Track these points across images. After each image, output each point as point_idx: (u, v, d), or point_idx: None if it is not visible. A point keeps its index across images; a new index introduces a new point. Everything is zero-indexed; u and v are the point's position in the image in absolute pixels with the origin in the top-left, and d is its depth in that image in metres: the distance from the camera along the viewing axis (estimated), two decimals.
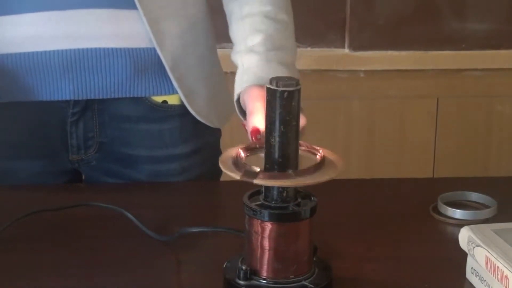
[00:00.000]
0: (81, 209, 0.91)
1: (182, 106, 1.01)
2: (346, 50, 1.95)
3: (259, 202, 0.71)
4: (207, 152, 1.07)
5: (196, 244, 0.83)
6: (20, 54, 0.94)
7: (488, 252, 0.71)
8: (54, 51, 0.94)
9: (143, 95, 0.99)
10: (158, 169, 1.04)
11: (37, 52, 0.94)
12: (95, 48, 0.95)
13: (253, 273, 0.71)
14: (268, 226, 0.70)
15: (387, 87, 1.98)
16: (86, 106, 0.99)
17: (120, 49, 0.96)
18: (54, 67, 0.94)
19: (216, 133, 1.09)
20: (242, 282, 0.71)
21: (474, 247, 0.74)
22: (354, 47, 1.95)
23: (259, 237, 0.70)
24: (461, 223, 0.83)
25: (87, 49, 0.94)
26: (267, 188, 0.71)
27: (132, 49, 0.96)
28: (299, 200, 0.71)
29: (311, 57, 1.93)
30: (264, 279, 0.71)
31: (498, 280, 0.70)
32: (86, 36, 0.94)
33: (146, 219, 0.86)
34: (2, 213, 0.89)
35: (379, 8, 1.94)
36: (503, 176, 1.13)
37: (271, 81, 0.68)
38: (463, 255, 0.76)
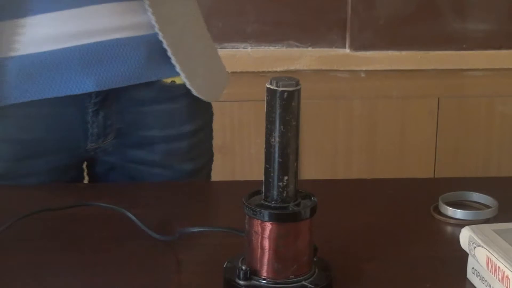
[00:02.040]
0: (81, 209, 0.91)
1: (183, 86, 1.05)
2: (347, 50, 1.95)
3: (259, 202, 0.71)
4: (208, 130, 1.13)
5: (197, 244, 0.83)
6: (39, 53, 0.95)
7: (489, 252, 0.71)
8: (73, 47, 0.96)
9: (156, 79, 1.03)
10: (171, 148, 1.07)
11: (56, 50, 0.95)
12: (112, 40, 0.97)
13: (253, 273, 0.71)
14: (268, 226, 0.70)
15: (388, 87, 1.98)
16: (106, 95, 1.01)
17: (134, 37, 0.99)
18: (74, 62, 0.96)
19: (211, 111, 1.14)
20: (242, 282, 0.71)
21: (475, 247, 0.74)
22: (355, 47, 1.95)
23: (259, 237, 0.70)
24: (462, 223, 0.83)
25: (104, 41, 0.97)
26: (267, 188, 0.71)
27: (143, 36, 1.00)
28: (299, 200, 0.71)
29: (312, 57, 1.93)
30: (264, 279, 0.71)
31: (499, 281, 0.70)
32: (103, 29, 0.97)
33: (147, 219, 0.86)
34: (2, 213, 0.89)
35: (380, 8, 1.94)
36: (504, 176, 1.13)
37: (271, 81, 0.68)
38: (464, 255, 0.76)
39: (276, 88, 0.68)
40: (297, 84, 0.69)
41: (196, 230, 0.85)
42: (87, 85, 0.98)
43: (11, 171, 1.01)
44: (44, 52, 0.95)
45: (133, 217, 0.86)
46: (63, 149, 1.03)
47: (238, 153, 1.95)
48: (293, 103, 0.68)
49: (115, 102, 1.02)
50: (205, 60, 1.10)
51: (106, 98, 1.01)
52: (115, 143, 1.05)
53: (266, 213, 0.70)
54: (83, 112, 1.01)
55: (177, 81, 1.04)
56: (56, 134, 1.01)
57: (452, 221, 0.89)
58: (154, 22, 0.98)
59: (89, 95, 1.00)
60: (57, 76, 0.96)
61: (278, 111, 0.68)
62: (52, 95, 0.97)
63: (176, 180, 1.07)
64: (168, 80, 1.04)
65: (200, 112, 1.10)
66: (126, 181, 1.07)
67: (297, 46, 1.92)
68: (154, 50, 1.01)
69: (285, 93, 0.68)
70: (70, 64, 0.96)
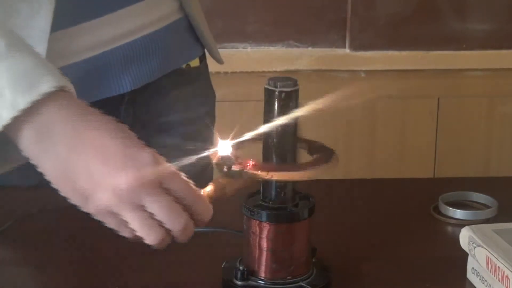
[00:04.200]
0: (81, 209, 0.91)
1: (197, 67, 1.08)
2: (347, 50, 1.95)
3: (257, 203, 0.71)
4: (214, 111, 1.15)
5: (196, 244, 0.83)
6: (89, 58, 0.94)
7: (489, 252, 0.71)
8: (116, 47, 0.96)
9: (183, 64, 1.06)
10: (189, 131, 1.08)
11: (104, 52, 0.95)
12: (145, 35, 0.98)
13: (251, 273, 0.71)
14: (266, 226, 0.70)
15: (388, 87, 1.98)
16: (136, 90, 1.01)
17: (162, 28, 1.00)
18: (115, 63, 0.96)
19: (215, 93, 1.16)
20: (239, 283, 0.71)
21: (475, 247, 0.73)
22: (355, 47, 1.95)
23: (257, 238, 0.70)
24: (462, 223, 0.83)
25: (141, 37, 0.97)
26: (265, 188, 0.71)
27: (169, 24, 1.01)
28: (298, 201, 0.71)
29: (311, 57, 1.93)
30: (261, 280, 0.71)
31: (499, 280, 0.70)
32: (140, 26, 0.97)
33: None
34: (2, 213, 0.89)
35: (380, 8, 1.94)
36: (504, 176, 1.13)
37: (269, 81, 0.68)
38: (464, 255, 0.76)
39: (274, 89, 0.68)
40: (295, 84, 0.69)
41: (195, 230, 0.84)
42: (125, 85, 0.98)
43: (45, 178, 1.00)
44: (92, 57, 0.94)
45: None
46: None
47: None
48: (291, 104, 0.68)
49: (142, 95, 1.02)
50: (207, 26, 1.12)
51: (136, 94, 1.01)
52: (140, 135, 1.05)
53: (264, 213, 0.70)
54: (116, 110, 1.01)
55: (192, 64, 1.07)
56: None
57: (452, 221, 0.89)
58: (184, 4, 1.01)
59: (123, 93, 1.00)
60: (102, 78, 0.96)
61: (276, 111, 0.68)
62: (99, 97, 0.96)
63: (188, 161, 1.08)
64: (184, 64, 1.06)
65: (210, 93, 1.13)
66: None
67: (297, 46, 1.92)
68: (180, 35, 1.03)
69: (283, 94, 0.68)
70: (111, 65, 0.96)
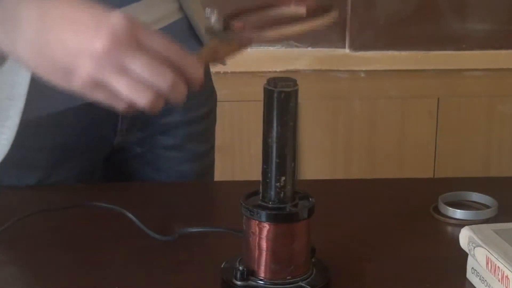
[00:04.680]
0: (81, 209, 0.91)
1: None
2: (347, 50, 1.95)
3: (256, 203, 0.71)
4: (215, 112, 1.15)
5: (196, 244, 0.83)
6: None
7: (489, 252, 0.71)
8: None
9: None
10: (191, 130, 1.08)
11: None
12: None
13: (250, 273, 0.71)
14: (266, 227, 0.70)
15: (388, 87, 1.98)
16: None
17: (162, 28, 0.99)
18: None
19: (216, 93, 1.16)
20: (239, 283, 0.71)
21: (474, 247, 0.73)
22: (355, 47, 1.95)
23: (257, 238, 0.70)
24: (461, 223, 0.83)
25: None
26: (265, 188, 0.71)
27: (169, 25, 1.00)
28: (297, 201, 0.71)
29: (311, 57, 1.93)
30: (261, 280, 0.71)
31: (499, 280, 0.70)
32: (148, 23, 0.97)
33: (146, 219, 0.86)
34: (2, 213, 0.89)
35: (380, 8, 1.94)
36: (504, 176, 1.13)
37: (268, 81, 0.68)
38: (464, 255, 0.76)
39: (273, 89, 0.68)
40: (295, 84, 0.69)
41: (195, 230, 0.85)
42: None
43: (45, 178, 1.00)
44: None
45: (132, 217, 0.86)
46: (92, 148, 1.02)
47: (237, 153, 1.95)
48: (290, 104, 0.68)
49: None
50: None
51: None
52: (140, 135, 1.06)
53: (263, 213, 0.70)
54: (114, 110, 1.01)
55: None
56: (88, 135, 1.01)
57: (451, 221, 0.89)
58: (183, 5, 1.00)
59: None
60: None
61: (275, 112, 0.68)
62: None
63: (190, 161, 1.08)
64: None
65: (211, 94, 1.13)
66: (145, 167, 1.08)
67: (296, 46, 1.92)
68: (180, 36, 1.00)
69: (282, 94, 0.68)
70: None
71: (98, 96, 0.68)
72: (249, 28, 0.67)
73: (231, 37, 0.68)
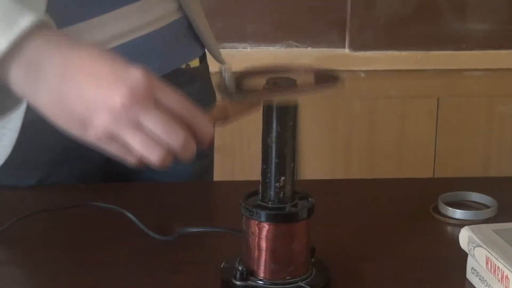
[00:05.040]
0: (81, 209, 0.91)
1: (198, 68, 1.08)
2: (347, 50, 1.95)
3: (256, 203, 0.71)
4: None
5: (196, 244, 0.83)
6: None
7: (489, 252, 0.71)
8: (114, 47, 0.95)
9: (184, 64, 1.06)
10: None
11: (113, 48, 0.95)
12: (145, 35, 0.98)
13: (250, 273, 0.71)
14: (265, 227, 0.70)
15: (388, 87, 1.98)
16: None
17: (163, 27, 1.00)
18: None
19: (215, 94, 1.16)
20: (238, 283, 0.71)
21: (474, 247, 0.73)
22: (355, 47, 1.95)
23: (256, 238, 0.70)
24: (461, 223, 0.83)
25: (139, 37, 0.97)
26: (264, 188, 0.71)
27: (168, 24, 1.01)
28: (297, 201, 0.71)
29: (311, 57, 1.93)
30: (260, 280, 0.71)
31: (499, 280, 0.70)
32: (138, 26, 0.97)
33: (146, 219, 0.86)
34: (2, 213, 0.89)
35: (380, 8, 1.94)
36: (503, 176, 1.13)
37: (268, 81, 0.68)
38: (464, 255, 0.76)
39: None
40: (294, 84, 0.69)
41: (195, 230, 0.85)
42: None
43: (44, 178, 1.00)
44: None
45: (132, 217, 0.86)
46: (92, 148, 1.02)
47: (237, 153, 1.95)
48: (289, 104, 0.68)
49: None
50: (208, 26, 1.12)
51: None
52: None
53: (263, 213, 0.70)
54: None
55: (192, 64, 1.07)
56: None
57: (451, 221, 0.89)
58: (183, 4, 1.00)
59: None
60: None
61: (274, 112, 0.68)
62: None
63: (188, 163, 1.08)
64: (183, 65, 1.06)
65: (211, 94, 1.13)
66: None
67: (296, 46, 1.92)
68: (181, 34, 1.03)
69: None
70: None
71: (111, 148, 0.69)
72: (261, 90, 0.68)
73: (243, 97, 0.69)
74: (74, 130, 0.69)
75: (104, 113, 0.66)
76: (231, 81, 0.68)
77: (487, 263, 0.71)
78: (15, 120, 0.88)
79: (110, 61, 0.68)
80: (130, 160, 0.69)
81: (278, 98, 0.68)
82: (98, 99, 0.66)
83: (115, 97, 0.65)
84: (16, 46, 0.67)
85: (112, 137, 0.67)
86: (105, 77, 0.67)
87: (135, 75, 0.66)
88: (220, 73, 0.69)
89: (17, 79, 0.69)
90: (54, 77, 0.68)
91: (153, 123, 0.66)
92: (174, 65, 1.04)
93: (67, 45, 0.69)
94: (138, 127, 0.66)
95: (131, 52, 0.96)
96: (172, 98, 0.68)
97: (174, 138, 0.67)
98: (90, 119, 0.67)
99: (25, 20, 0.67)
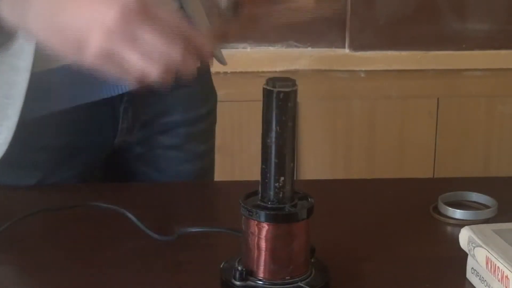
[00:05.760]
0: (81, 209, 0.91)
1: (198, 68, 1.06)
2: (347, 50, 1.95)
3: (255, 203, 0.71)
4: (215, 112, 1.15)
5: (196, 244, 0.83)
6: None
7: (489, 252, 0.71)
8: None
9: None
10: (191, 130, 1.08)
11: None
12: None
13: (249, 273, 0.71)
14: (265, 227, 0.70)
15: (388, 87, 1.98)
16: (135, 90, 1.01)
17: None
18: None
19: (216, 94, 1.16)
20: (238, 283, 0.71)
21: (474, 247, 0.73)
22: (355, 47, 1.95)
23: (256, 238, 0.70)
24: (461, 223, 0.83)
25: None
26: (264, 188, 0.71)
27: None
28: (296, 201, 0.71)
29: (311, 57, 1.93)
30: (260, 280, 0.71)
31: (499, 280, 0.70)
32: None
33: (146, 219, 0.86)
34: (2, 213, 0.89)
35: (380, 8, 1.94)
36: (503, 176, 1.13)
37: (267, 81, 0.68)
38: (464, 255, 0.76)
39: (272, 89, 0.68)
40: (294, 84, 0.69)
41: (195, 230, 0.85)
42: (123, 85, 0.97)
43: (44, 178, 1.00)
44: None
45: (132, 217, 0.86)
46: (93, 148, 1.03)
47: (237, 153, 1.95)
48: (289, 104, 0.68)
49: (142, 95, 1.01)
50: (209, 26, 1.11)
51: (135, 94, 1.01)
52: (140, 135, 1.06)
53: (262, 214, 0.70)
54: (114, 110, 1.01)
55: None
56: (89, 134, 1.01)
57: (451, 221, 0.89)
58: (184, 5, 0.99)
59: (121, 93, 1.00)
60: (97, 80, 0.96)
61: (274, 112, 0.68)
62: (97, 98, 0.96)
63: (190, 161, 1.08)
64: None
65: (211, 93, 1.13)
66: (147, 168, 1.08)
67: (296, 46, 1.92)
68: None
69: (281, 94, 0.68)
70: None
71: (109, 69, 0.67)
72: (258, 4, 0.67)
73: (239, 14, 0.68)
74: (69, 52, 0.68)
75: (99, 31, 0.65)
76: (228, 1, 0.68)
77: (487, 263, 0.72)
78: (11, 118, 0.88)
79: None
80: (130, 78, 0.68)
81: (275, 9, 0.67)
82: (91, 18, 0.65)
83: (108, 14, 0.65)
84: None
85: (109, 56, 0.66)
86: None
87: None
88: None
89: (5, 7, 0.68)
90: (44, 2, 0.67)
91: (150, 36, 0.65)
92: None
93: None
94: (135, 42, 0.65)
95: None
96: (167, 13, 0.67)
97: (173, 50, 0.66)
98: (86, 39, 0.66)
99: None
